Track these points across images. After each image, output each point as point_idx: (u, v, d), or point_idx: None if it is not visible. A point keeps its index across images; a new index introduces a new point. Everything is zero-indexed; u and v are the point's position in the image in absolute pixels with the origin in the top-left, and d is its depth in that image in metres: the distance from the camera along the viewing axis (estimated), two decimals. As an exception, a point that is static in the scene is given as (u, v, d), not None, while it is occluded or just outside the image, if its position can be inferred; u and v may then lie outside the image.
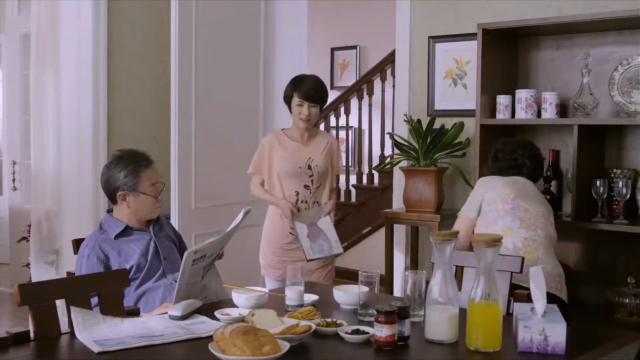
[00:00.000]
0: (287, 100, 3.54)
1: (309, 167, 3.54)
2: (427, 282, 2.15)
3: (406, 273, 2.30)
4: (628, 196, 3.35)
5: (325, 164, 3.58)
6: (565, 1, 3.69)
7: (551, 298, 2.25)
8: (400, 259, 4.22)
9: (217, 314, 2.24)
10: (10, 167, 6.49)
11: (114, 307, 2.18)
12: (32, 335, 2.00)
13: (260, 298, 2.36)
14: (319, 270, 3.55)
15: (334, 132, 7.32)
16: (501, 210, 3.11)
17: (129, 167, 2.74)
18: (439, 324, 2.01)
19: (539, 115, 3.59)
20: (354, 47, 8.19)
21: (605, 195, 3.37)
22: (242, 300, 2.34)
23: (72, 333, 2.03)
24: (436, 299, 2.04)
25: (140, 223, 2.81)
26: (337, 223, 4.73)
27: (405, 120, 4.03)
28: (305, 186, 3.54)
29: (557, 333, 1.90)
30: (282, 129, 3.66)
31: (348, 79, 8.09)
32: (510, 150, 3.29)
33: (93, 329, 2.03)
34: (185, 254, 2.32)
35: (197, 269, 2.42)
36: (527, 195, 3.15)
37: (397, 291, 4.04)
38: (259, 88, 4.42)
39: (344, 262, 5.63)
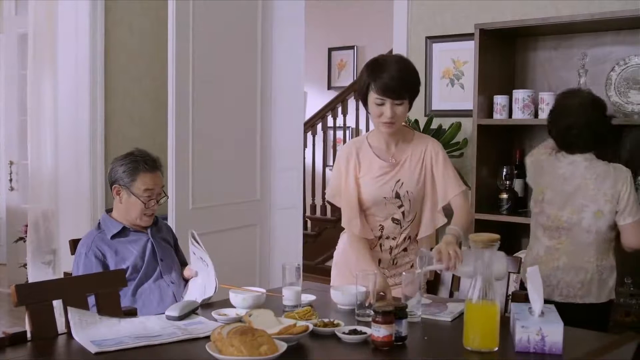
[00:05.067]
0: (362, 94, 2.56)
1: (397, 196, 2.61)
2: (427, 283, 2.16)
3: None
4: (625, 196, 3.35)
5: (419, 186, 2.62)
6: (563, 1, 3.70)
7: (571, 308, 2.19)
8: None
9: (214, 314, 2.24)
10: (7, 167, 6.48)
11: (111, 308, 2.17)
12: (29, 335, 2.00)
13: (257, 298, 2.36)
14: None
15: (330, 132, 7.33)
16: (532, 213, 2.99)
17: (129, 164, 2.77)
18: None
19: (536, 115, 3.59)
20: (352, 47, 8.18)
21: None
22: (239, 300, 2.34)
23: (69, 333, 2.03)
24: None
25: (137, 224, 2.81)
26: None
27: (402, 120, 4.01)
28: (394, 220, 2.63)
29: (554, 333, 1.90)
30: (366, 135, 2.73)
31: (345, 79, 8.09)
32: (561, 120, 2.82)
33: (90, 329, 2.03)
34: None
35: None
36: (559, 194, 2.84)
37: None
38: (256, 88, 4.41)
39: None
